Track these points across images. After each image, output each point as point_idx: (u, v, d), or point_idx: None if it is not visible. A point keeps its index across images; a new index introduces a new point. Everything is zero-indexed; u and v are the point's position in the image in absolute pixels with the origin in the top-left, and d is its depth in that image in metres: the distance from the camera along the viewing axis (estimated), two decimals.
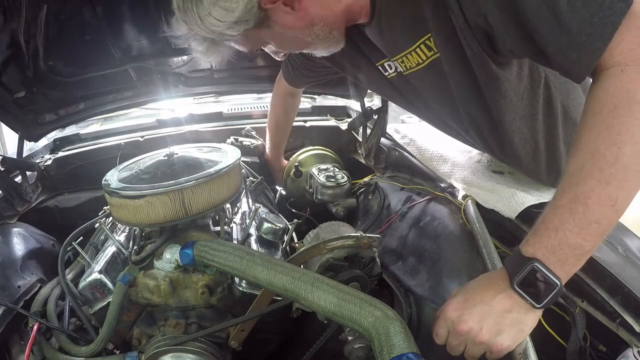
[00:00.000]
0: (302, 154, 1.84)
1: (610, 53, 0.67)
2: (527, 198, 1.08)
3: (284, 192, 1.87)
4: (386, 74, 1.15)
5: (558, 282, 0.68)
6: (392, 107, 1.54)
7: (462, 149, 1.43)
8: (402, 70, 1.07)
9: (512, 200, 1.09)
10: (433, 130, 1.35)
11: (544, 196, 1.10)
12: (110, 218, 1.35)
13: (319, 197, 1.62)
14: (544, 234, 0.70)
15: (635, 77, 0.65)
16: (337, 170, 1.68)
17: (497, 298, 0.72)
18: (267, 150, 1.91)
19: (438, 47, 0.92)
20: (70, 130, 2.11)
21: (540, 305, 0.70)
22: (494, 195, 1.13)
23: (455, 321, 0.74)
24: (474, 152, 1.40)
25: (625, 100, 0.65)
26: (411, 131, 1.67)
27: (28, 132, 1.66)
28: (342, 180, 1.60)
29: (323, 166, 1.72)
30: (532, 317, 0.72)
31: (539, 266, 0.69)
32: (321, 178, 1.62)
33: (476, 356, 0.75)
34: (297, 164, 1.79)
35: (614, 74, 0.67)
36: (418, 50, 0.96)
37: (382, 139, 1.71)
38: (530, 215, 1.04)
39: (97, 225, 1.39)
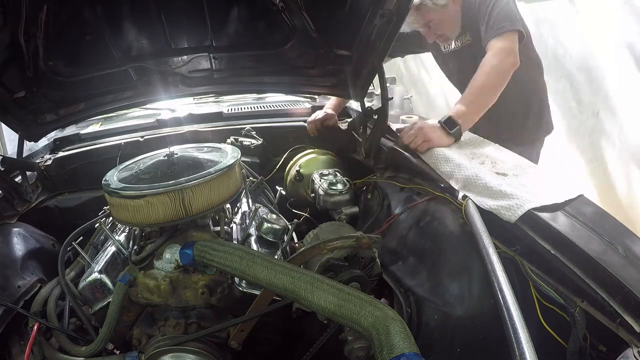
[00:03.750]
0: (303, 157, 1.84)
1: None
2: (528, 202, 1.06)
3: (284, 192, 1.87)
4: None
5: (459, 124, 1.46)
6: (393, 107, 1.56)
7: (466, 152, 1.42)
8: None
9: (513, 203, 1.08)
10: None
11: (547, 199, 1.09)
12: (110, 218, 1.35)
13: (321, 204, 1.62)
14: (458, 106, 1.51)
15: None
16: (338, 176, 1.68)
17: (435, 127, 1.47)
18: None
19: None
20: (70, 130, 2.11)
21: (451, 132, 1.45)
22: (495, 201, 1.12)
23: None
24: (478, 154, 1.39)
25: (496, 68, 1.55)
26: None
27: (28, 132, 1.66)
28: (343, 189, 1.60)
29: (325, 172, 1.71)
30: (448, 139, 1.46)
31: (453, 117, 1.47)
32: (323, 186, 1.61)
33: (418, 143, 1.45)
34: (298, 168, 1.78)
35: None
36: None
37: (382, 139, 1.71)
38: (532, 217, 1.03)
39: (97, 225, 1.39)
